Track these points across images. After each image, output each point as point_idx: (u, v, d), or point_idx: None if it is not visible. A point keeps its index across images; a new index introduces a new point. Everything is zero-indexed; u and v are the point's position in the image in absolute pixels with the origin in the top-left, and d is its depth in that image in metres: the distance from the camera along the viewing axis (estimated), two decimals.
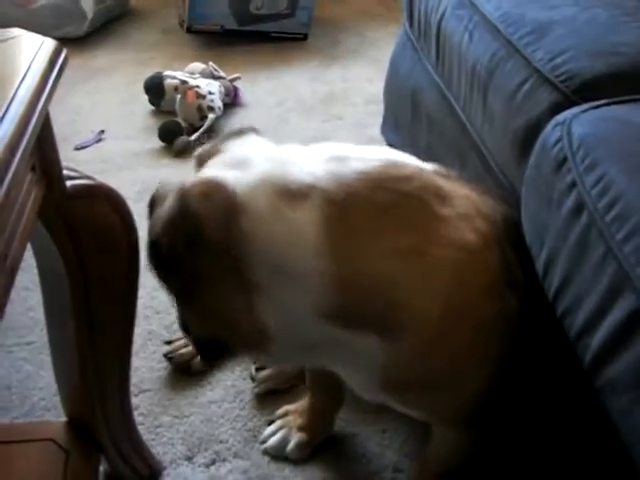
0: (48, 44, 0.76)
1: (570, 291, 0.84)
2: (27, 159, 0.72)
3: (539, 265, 0.91)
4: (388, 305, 0.83)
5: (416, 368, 0.88)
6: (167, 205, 0.83)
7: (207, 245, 0.80)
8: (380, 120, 1.94)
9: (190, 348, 1.39)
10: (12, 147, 0.61)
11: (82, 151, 2.05)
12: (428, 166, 0.93)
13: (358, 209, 0.82)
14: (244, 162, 0.86)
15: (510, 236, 0.91)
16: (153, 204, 0.89)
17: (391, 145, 1.79)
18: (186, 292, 0.89)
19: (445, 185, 0.88)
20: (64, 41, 2.61)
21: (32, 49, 0.76)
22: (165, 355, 1.40)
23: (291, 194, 0.81)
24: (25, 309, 1.51)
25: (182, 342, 1.41)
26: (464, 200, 0.87)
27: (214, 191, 0.82)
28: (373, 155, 0.88)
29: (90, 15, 2.64)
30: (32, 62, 0.72)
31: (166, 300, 1.51)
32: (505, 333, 0.89)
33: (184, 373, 1.39)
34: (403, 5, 1.67)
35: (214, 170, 0.87)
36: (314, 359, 0.97)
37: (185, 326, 0.97)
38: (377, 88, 2.09)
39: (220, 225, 0.80)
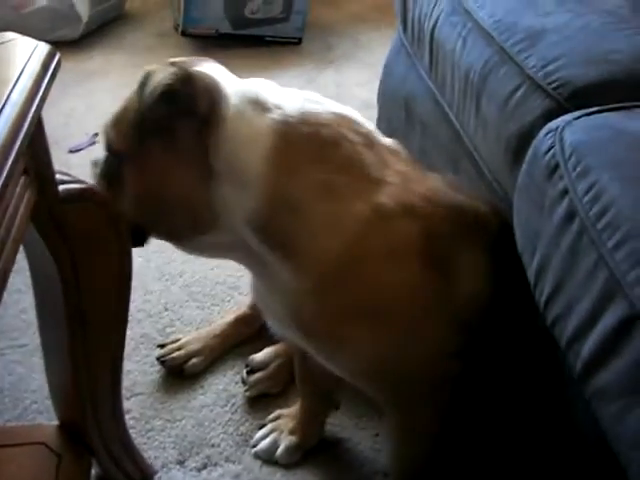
0: (41, 48, 0.76)
1: (561, 298, 0.84)
2: (19, 163, 0.72)
3: (530, 273, 0.91)
4: (297, 231, 0.91)
5: (316, 306, 0.93)
6: (170, 70, 0.93)
7: (195, 115, 0.92)
8: (373, 125, 1.94)
9: (183, 351, 1.39)
10: (4, 151, 0.61)
11: (76, 154, 2.05)
12: (385, 139, 1.01)
13: (306, 135, 0.92)
14: (225, 74, 0.99)
15: (464, 227, 0.96)
16: (148, 76, 0.95)
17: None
18: (150, 165, 0.95)
19: (389, 158, 0.97)
20: (59, 44, 2.63)
21: (26, 53, 0.76)
22: (158, 358, 1.40)
23: (260, 105, 0.93)
24: (18, 311, 1.51)
25: (175, 345, 1.41)
26: (400, 175, 0.95)
27: (207, 76, 0.95)
28: (341, 107, 0.99)
29: (85, 18, 2.64)
30: (25, 66, 0.72)
31: (159, 303, 1.52)
32: (409, 304, 0.92)
33: (177, 376, 1.39)
34: (397, 11, 1.67)
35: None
36: (241, 261, 1.04)
37: None
38: (371, 92, 2.09)
39: (208, 102, 0.93)
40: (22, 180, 0.76)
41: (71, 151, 2.06)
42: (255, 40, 2.65)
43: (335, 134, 0.93)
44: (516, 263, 0.99)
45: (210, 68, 0.99)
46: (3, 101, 0.67)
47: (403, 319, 0.93)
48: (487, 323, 0.97)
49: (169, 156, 0.94)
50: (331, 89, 2.36)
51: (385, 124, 1.84)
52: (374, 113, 1.95)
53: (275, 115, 0.93)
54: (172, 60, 0.99)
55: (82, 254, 0.91)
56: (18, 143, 0.65)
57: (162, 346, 1.42)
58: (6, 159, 0.62)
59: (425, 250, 0.92)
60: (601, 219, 0.79)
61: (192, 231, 0.98)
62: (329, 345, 0.97)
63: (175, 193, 0.95)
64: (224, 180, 0.93)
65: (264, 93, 0.95)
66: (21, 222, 0.75)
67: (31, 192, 0.78)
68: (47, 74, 0.73)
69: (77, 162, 1.97)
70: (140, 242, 1.03)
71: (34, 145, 0.76)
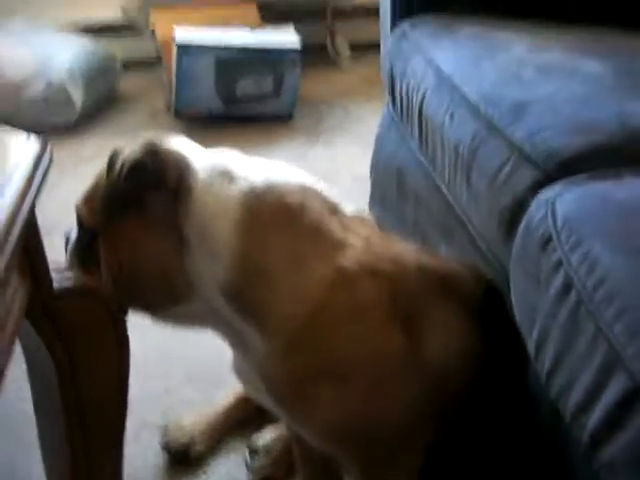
0: (33, 143, 0.77)
1: (563, 371, 0.84)
2: (13, 260, 0.72)
3: (530, 345, 0.91)
4: (266, 298, 0.93)
5: (283, 368, 0.94)
6: (139, 147, 0.96)
7: (165, 187, 0.95)
8: (367, 197, 1.95)
9: (185, 434, 1.37)
10: None
11: None
12: (351, 208, 1.02)
13: (271, 204, 0.95)
14: (193, 148, 1.02)
15: (432, 287, 0.97)
16: (116, 153, 0.99)
17: (379, 222, 1.79)
18: (124, 239, 0.97)
19: (353, 224, 0.99)
20: (54, 130, 2.64)
21: (18, 148, 0.77)
22: (160, 444, 1.38)
23: (227, 176, 0.96)
24: (16, 400, 1.49)
25: (177, 429, 1.39)
26: (363, 239, 0.97)
27: (173, 151, 0.98)
28: (307, 178, 1.02)
29: (79, 104, 2.67)
30: (18, 163, 0.73)
31: (160, 386, 1.51)
32: (374, 364, 0.93)
33: (180, 461, 1.37)
34: (385, 85, 1.70)
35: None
36: (215, 330, 1.05)
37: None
38: (363, 165, 2.10)
39: (176, 175, 0.95)
40: (16, 278, 0.76)
41: (68, 237, 2.06)
42: (247, 118, 2.68)
43: (299, 202, 0.96)
44: (502, 327, 1.01)
45: (178, 142, 1.02)
46: None
47: (368, 380, 0.94)
48: (465, 386, 0.97)
49: (139, 229, 0.96)
50: (323, 163, 2.38)
51: (378, 196, 1.85)
52: (367, 186, 1.96)
53: (242, 186, 0.95)
54: (142, 136, 1.02)
55: (78, 348, 0.92)
56: (11, 244, 0.66)
57: (164, 430, 1.40)
58: (1, 253, 0.62)
59: (389, 310, 0.93)
60: (598, 290, 0.79)
61: (166, 302, 1.00)
62: (297, 407, 0.97)
63: (147, 265, 0.97)
64: (196, 250, 0.95)
65: (232, 165, 0.98)
66: (15, 321, 0.74)
67: (25, 289, 0.78)
68: (39, 170, 0.74)
69: None
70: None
71: (28, 242, 0.77)
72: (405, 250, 1.01)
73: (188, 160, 0.98)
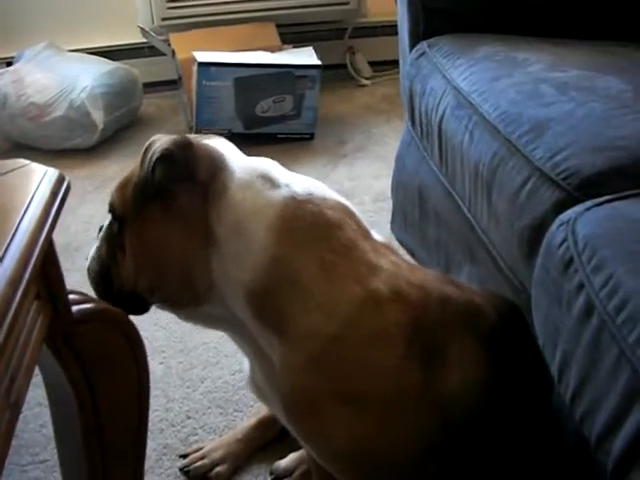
0: (50, 174, 0.78)
1: (587, 395, 0.82)
2: (32, 289, 0.72)
3: (554, 368, 0.89)
4: (292, 306, 0.92)
5: (301, 383, 0.93)
6: (171, 137, 0.96)
7: (194, 181, 0.95)
8: (388, 217, 1.95)
9: (207, 460, 1.37)
10: (14, 283, 0.61)
11: None
12: (378, 236, 1.02)
13: (310, 213, 0.95)
14: (232, 149, 1.04)
15: (453, 317, 0.96)
16: (151, 143, 0.98)
17: (401, 242, 1.79)
18: (150, 230, 0.97)
19: (383, 250, 0.99)
20: (75, 151, 2.66)
21: (35, 180, 0.77)
22: (181, 469, 1.37)
23: (269, 180, 0.97)
24: (39, 426, 1.50)
25: (198, 454, 1.38)
26: (391, 263, 0.97)
27: (210, 146, 0.99)
28: (343, 200, 1.02)
29: (100, 126, 2.70)
30: (34, 194, 0.73)
31: (182, 412, 1.51)
32: (391, 390, 0.92)
33: None
34: (404, 105, 1.70)
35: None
36: (233, 336, 1.05)
37: (105, 281, 1.04)
38: (385, 185, 2.11)
39: (208, 169, 0.96)
40: (35, 305, 0.76)
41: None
42: (268, 138, 2.69)
43: (339, 218, 0.97)
44: (517, 358, 1.01)
45: (218, 142, 1.03)
46: (13, 229, 0.68)
47: (382, 406, 0.93)
48: (480, 421, 0.96)
49: (168, 220, 0.96)
50: (345, 183, 2.38)
51: (400, 215, 1.85)
52: (388, 205, 1.96)
53: (283, 192, 0.96)
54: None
55: (97, 373, 0.91)
56: (29, 271, 0.66)
57: (185, 456, 1.39)
58: (15, 292, 0.62)
59: (412, 338, 0.92)
60: (620, 313, 0.77)
61: (186, 300, 1.00)
62: (309, 424, 0.97)
63: (171, 259, 0.97)
64: (226, 249, 0.94)
65: (273, 171, 0.99)
66: (34, 347, 0.75)
67: (44, 316, 0.78)
68: (56, 201, 0.74)
69: None
70: (141, 310, 1.04)
71: (46, 270, 0.77)
72: (431, 279, 1.00)
73: (223, 157, 0.98)
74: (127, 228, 1.00)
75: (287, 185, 0.97)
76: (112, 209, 1.03)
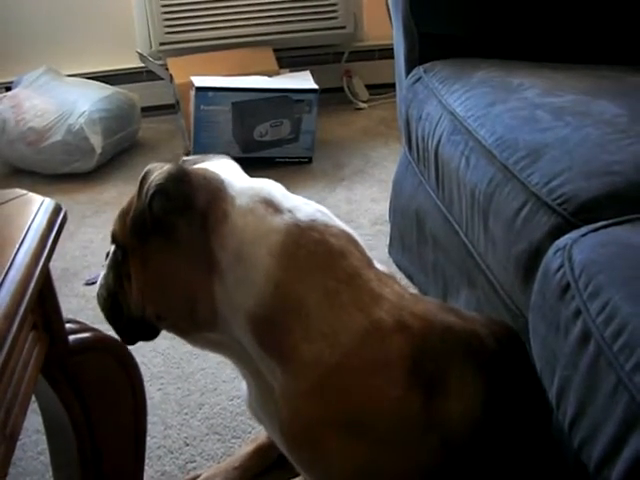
0: (47, 204, 0.78)
1: (585, 421, 0.82)
2: (28, 321, 0.72)
3: (551, 394, 0.89)
4: (295, 333, 0.92)
5: (301, 410, 0.93)
6: (166, 169, 0.95)
7: (192, 211, 0.94)
8: (386, 240, 1.95)
9: None
10: (9, 318, 0.61)
11: (92, 286, 2.07)
12: (380, 266, 1.02)
13: (315, 241, 0.94)
14: (234, 171, 1.04)
15: (455, 347, 0.96)
16: (147, 175, 0.97)
17: (399, 266, 1.79)
18: (152, 260, 0.97)
19: (386, 279, 0.99)
20: (73, 176, 2.66)
21: (32, 210, 0.77)
22: None
23: (271, 205, 0.96)
24: (36, 453, 1.49)
25: None
26: (394, 293, 0.97)
27: (208, 173, 0.99)
28: (348, 228, 1.01)
29: (99, 150, 2.70)
30: (31, 225, 0.73)
31: (179, 438, 1.50)
32: (393, 420, 0.92)
33: None
34: (401, 130, 1.71)
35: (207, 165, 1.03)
36: (236, 363, 1.05)
37: (113, 308, 1.04)
38: (383, 208, 2.11)
39: (206, 198, 0.95)
40: (31, 335, 0.76)
41: (87, 283, 2.07)
42: (265, 162, 2.70)
43: (342, 246, 0.96)
44: (516, 385, 1.01)
45: (219, 165, 1.03)
46: (9, 263, 0.68)
47: (384, 434, 0.93)
48: (479, 448, 0.96)
49: (169, 250, 0.96)
50: (343, 207, 2.38)
51: (398, 239, 1.85)
52: (387, 228, 1.96)
53: (286, 218, 0.95)
54: (184, 158, 1.05)
55: (94, 401, 0.92)
56: (24, 304, 0.66)
57: None
58: (12, 322, 0.62)
59: (414, 368, 0.92)
60: (617, 340, 0.77)
61: (193, 326, 1.00)
62: (308, 452, 0.96)
63: (176, 285, 0.97)
64: (228, 275, 0.94)
65: (277, 195, 0.98)
66: (30, 378, 0.74)
67: (41, 346, 0.78)
68: (52, 231, 0.75)
69: (94, 295, 1.97)
70: (151, 335, 1.04)
71: (43, 300, 0.77)
72: (433, 309, 1.00)
73: (224, 184, 0.97)
74: (130, 257, 1.00)
75: (290, 210, 0.96)
76: (114, 238, 1.03)
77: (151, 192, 0.94)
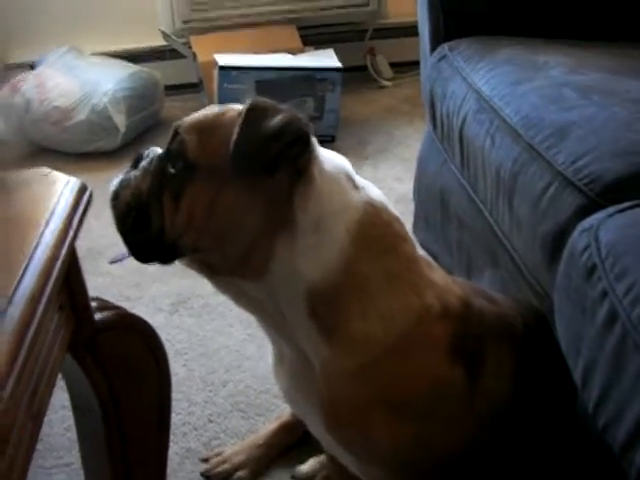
0: (72, 184, 0.78)
1: (610, 404, 0.82)
2: (54, 302, 0.72)
3: (577, 376, 0.89)
4: (351, 310, 0.92)
5: (349, 389, 0.94)
6: (297, 117, 0.89)
7: (295, 163, 0.89)
8: (411, 219, 1.94)
9: (228, 465, 1.37)
10: (35, 300, 0.62)
11: (117, 264, 2.08)
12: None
13: (384, 222, 0.95)
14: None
15: (490, 329, 1.00)
16: (262, 110, 0.90)
17: (423, 245, 1.78)
18: (229, 195, 0.90)
19: (430, 264, 1.02)
20: (97, 154, 2.67)
21: (57, 190, 0.77)
22: (202, 474, 1.38)
23: (350, 180, 0.94)
24: (63, 429, 1.51)
25: (219, 459, 1.39)
26: (441, 278, 1.00)
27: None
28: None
29: (123, 129, 2.71)
30: (56, 206, 0.74)
31: (204, 415, 1.51)
32: (438, 398, 0.94)
33: None
34: (425, 108, 1.69)
35: None
36: (261, 320, 1.01)
37: (137, 219, 0.94)
38: (407, 187, 2.09)
39: (310, 154, 0.90)
40: (57, 316, 0.76)
41: (112, 262, 2.09)
42: None
43: (403, 231, 0.98)
44: (543, 365, 1.04)
45: None
46: (35, 243, 0.68)
47: (428, 412, 0.95)
48: (509, 428, 0.99)
49: (254, 192, 0.89)
50: None
51: (422, 218, 1.84)
52: (411, 207, 1.95)
53: (363, 194, 0.94)
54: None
55: (120, 379, 0.92)
56: (50, 286, 0.66)
57: (206, 460, 1.40)
58: (38, 304, 0.62)
59: (457, 350, 0.95)
60: None
61: (233, 271, 0.93)
62: (352, 430, 0.97)
63: (242, 230, 0.90)
64: (302, 239, 0.90)
65: (351, 170, 0.97)
66: (57, 358, 0.75)
67: (67, 326, 0.79)
68: (78, 212, 0.75)
69: (118, 273, 1.99)
70: (168, 260, 0.95)
71: (69, 281, 0.77)
72: (469, 292, 1.02)
73: (315, 144, 0.93)
74: (195, 179, 0.90)
75: (365, 189, 0.95)
76: (181, 150, 0.91)
77: (292, 132, 0.87)
